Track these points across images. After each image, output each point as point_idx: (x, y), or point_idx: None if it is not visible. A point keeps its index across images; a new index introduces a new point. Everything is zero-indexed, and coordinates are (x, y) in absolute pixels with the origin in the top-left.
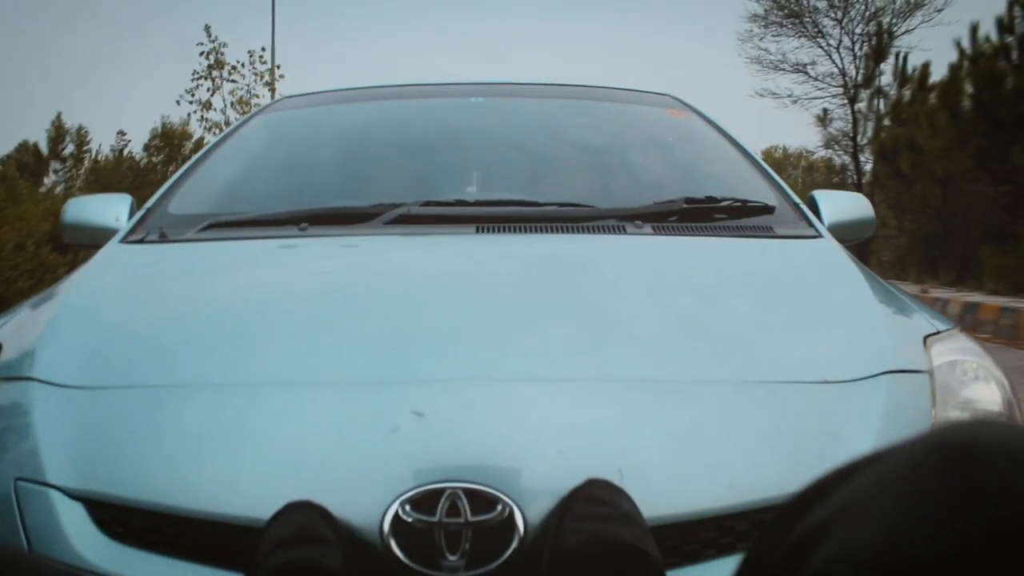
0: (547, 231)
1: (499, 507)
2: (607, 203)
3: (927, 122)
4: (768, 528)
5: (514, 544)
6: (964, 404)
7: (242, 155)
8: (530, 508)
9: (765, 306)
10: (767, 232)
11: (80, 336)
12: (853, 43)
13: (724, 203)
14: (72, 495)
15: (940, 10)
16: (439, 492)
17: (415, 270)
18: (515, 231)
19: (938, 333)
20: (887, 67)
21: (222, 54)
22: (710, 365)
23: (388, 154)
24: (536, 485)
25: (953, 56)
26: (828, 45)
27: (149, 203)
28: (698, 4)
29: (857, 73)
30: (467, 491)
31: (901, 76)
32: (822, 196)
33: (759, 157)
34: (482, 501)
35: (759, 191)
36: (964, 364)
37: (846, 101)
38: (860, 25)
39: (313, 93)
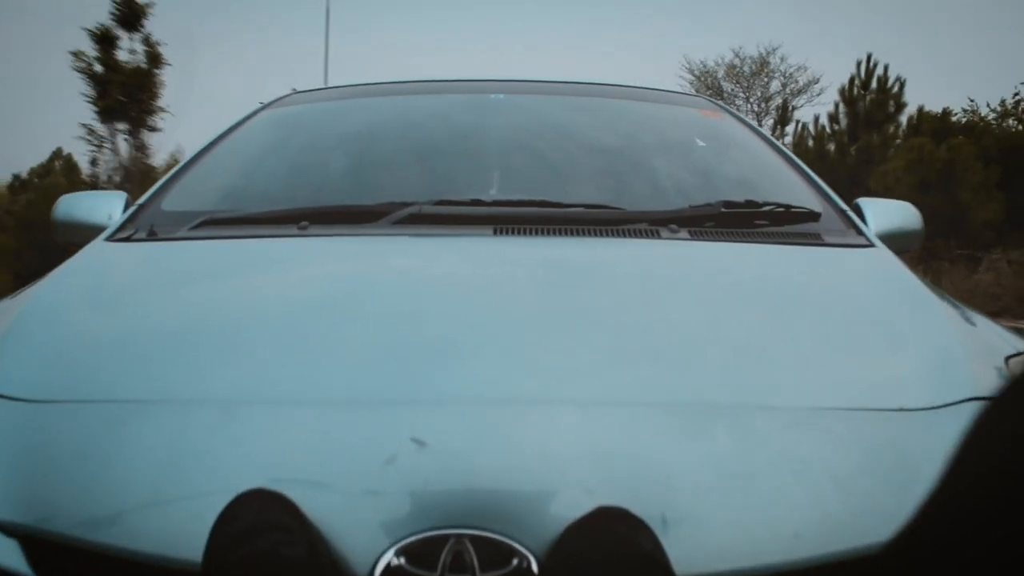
0: (573, 234)
1: (515, 560)
2: (638, 206)
3: None
4: None
5: None
6: None
7: (245, 150)
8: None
9: (823, 322)
10: (814, 239)
11: (41, 342)
12: (758, 115)
13: (766, 208)
14: (5, 529)
15: (819, 94)
16: (442, 540)
17: (423, 275)
18: (537, 234)
19: (1020, 354)
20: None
21: None
22: (765, 388)
23: (400, 152)
24: (560, 533)
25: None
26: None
27: (142, 199)
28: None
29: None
30: (475, 539)
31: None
32: (868, 203)
33: (800, 161)
34: (494, 551)
35: (802, 196)
36: None
37: None
38: (759, 103)
39: (324, 88)
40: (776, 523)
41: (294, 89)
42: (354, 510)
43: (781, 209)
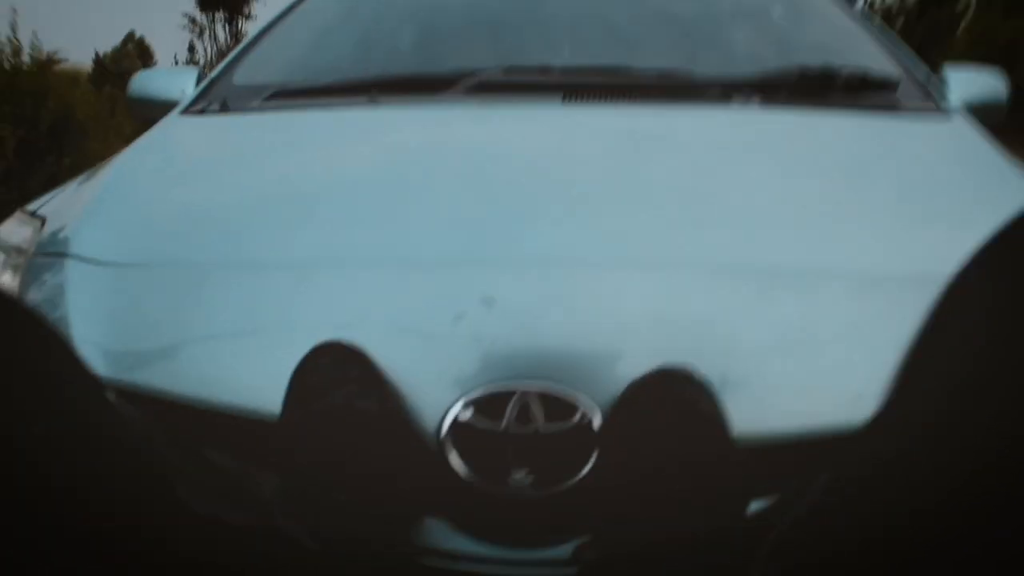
0: (642, 102)
1: (577, 415)
2: (709, 72)
3: None
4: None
5: (593, 458)
6: None
7: (313, 23)
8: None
9: (893, 191)
10: (891, 108)
11: (124, 211)
12: None
13: (842, 74)
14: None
15: None
16: (508, 394)
17: (493, 142)
18: (606, 100)
19: None
20: None
21: None
22: (831, 254)
23: (468, 21)
24: (622, 390)
25: None
26: None
27: (213, 74)
28: None
29: None
30: (540, 393)
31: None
32: (953, 72)
33: (883, 28)
34: (558, 406)
35: (881, 63)
36: None
37: None
38: None
39: None
40: (836, 387)
41: None
42: (424, 365)
43: (859, 76)
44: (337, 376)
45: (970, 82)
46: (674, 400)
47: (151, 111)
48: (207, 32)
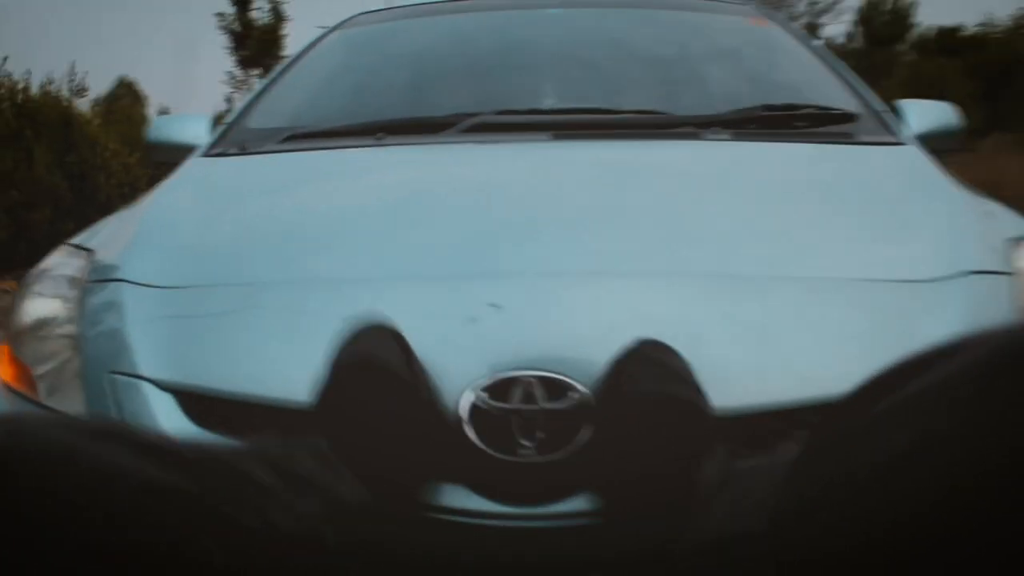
0: (623, 138)
1: (572, 394)
2: (683, 110)
3: None
4: (839, 409)
5: (585, 429)
6: None
7: (320, 70)
8: None
9: (842, 208)
10: (848, 139)
11: (166, 240)
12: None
13: (804, 110)
14: (163, 386)
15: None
16: (514, 380)
17: (491, 174)
18: (592, 138)
19: (1021, 238)
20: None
21: None
22: (785, 262)
23: (464, 67)
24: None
25: None
26: None
27: (229, 119)
28: None
29: None
30: (541, 379)
31: None
32: (908, 104)
33: (843, 67)
34: (556, 389)
35: (842, 99)
36: None
37: None
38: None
39: (390, 8)
40: (787, 368)
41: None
42: (444, 358)
43: (819, 111)
44: (373, 359)
45: (925, 113)
46: (652, 363)
47: (168, 154)
48: (244, 86)
